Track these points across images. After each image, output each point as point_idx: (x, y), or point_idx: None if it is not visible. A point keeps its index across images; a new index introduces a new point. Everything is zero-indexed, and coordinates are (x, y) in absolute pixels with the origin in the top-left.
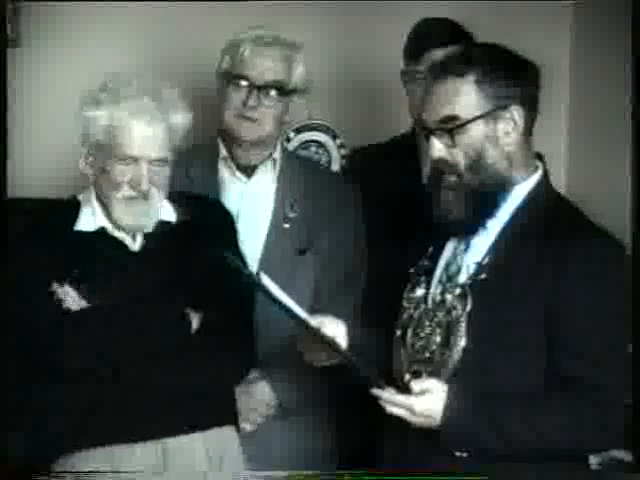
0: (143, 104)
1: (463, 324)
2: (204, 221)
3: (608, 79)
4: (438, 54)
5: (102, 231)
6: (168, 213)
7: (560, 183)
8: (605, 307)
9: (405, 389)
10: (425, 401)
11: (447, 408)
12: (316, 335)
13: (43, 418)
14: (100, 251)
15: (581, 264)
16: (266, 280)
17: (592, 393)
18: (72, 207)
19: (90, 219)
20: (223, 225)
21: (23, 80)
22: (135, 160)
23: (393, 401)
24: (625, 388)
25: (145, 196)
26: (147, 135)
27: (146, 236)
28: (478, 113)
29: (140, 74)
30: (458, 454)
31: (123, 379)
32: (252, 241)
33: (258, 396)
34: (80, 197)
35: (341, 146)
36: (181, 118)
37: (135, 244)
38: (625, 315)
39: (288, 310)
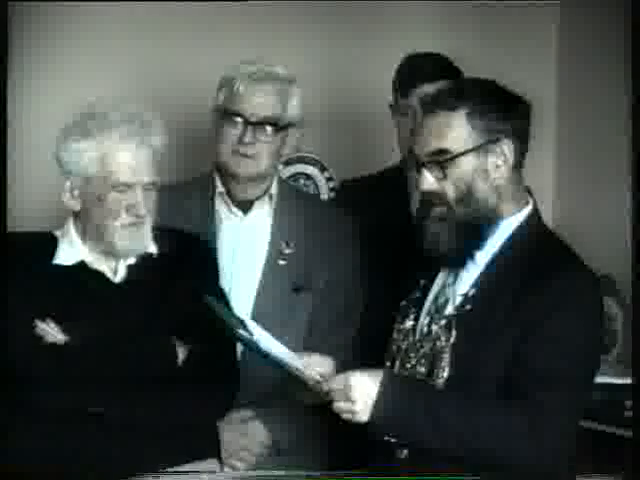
0: (129, 130)
1: (447, 355)
2: (185, 254)
3: (594, 110)
4: (426, 89)
5: (82, 264)
6: (150, 245)
7: (548, 214)
8: (568, 335)
9: None
10: (362, 377)
11: (382, 389)
12: (300, 378)
13: (27, 456)
14: (81, 284)
15: (553, 294)
16: (251, 325)
17: (530, 408)
18: (49, 241)
19: (69, 252)
20: (205, 259)
21: (15, 107)
22: (130, 186)
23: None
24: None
25: (142, 221)
26: (138, 160)
27: (127, 268)
28: (469, 146)
29: (118, 98)
30: (386, 439)
31: (107, 413)
32: (248, 277)
33: (252, 435)
34: (57, 232)
35: (329, 178)
36: (162, 139)
37: (116, 276)
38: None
39: (269, 356)
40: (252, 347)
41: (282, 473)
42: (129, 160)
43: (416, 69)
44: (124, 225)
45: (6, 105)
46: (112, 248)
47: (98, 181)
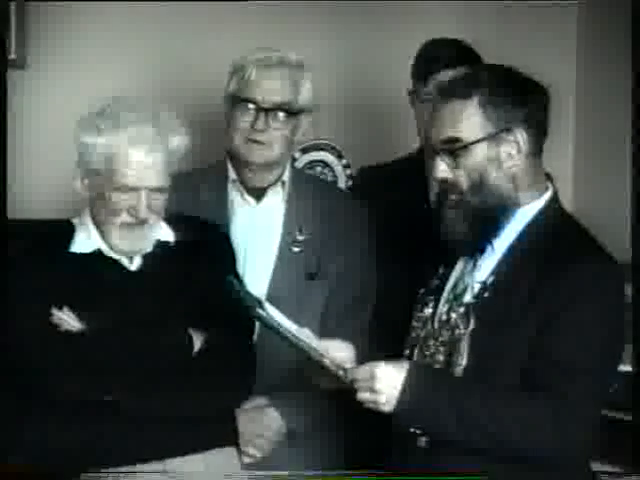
0: (143, 131)
1: (465, 343)
2: (202, 242)
3: (612, 98)
4: (446, 75)
5: (98, 252)
6: (166, 234)
7: (568, 202)
8: (590, 324)
9: None
10: (387, 369)
11: (407, 381)
12: (319, 362)
13: (43, 444)
14: (97, 272)
15: (574, 281)
16: (269, 307)
17: (554, 400)
18: (67, 229)
19: (86, 241)
20: (221, 247)
21: (31, 102)
22: (134, 189)
23: (359, 370)
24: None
25: (143, 223)
26: (147, 164)
27: (144, 256)
28: (481, 135)
29: (139, 97)
30: (412, 430)
31: (123, 401)
32: (262, 265)
33: (267, 422)
34: (75, 220)
35: (347, 166)
36: (180, 141)
37: (132, 264)
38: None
39: (288, 339)
40: (272, 328)
41: (281, 473)
42: (137, 163)
43: (435, 56)
44: (124, 224)
45: (6, 97)
46: (111, 245)
47: (103, 179)
